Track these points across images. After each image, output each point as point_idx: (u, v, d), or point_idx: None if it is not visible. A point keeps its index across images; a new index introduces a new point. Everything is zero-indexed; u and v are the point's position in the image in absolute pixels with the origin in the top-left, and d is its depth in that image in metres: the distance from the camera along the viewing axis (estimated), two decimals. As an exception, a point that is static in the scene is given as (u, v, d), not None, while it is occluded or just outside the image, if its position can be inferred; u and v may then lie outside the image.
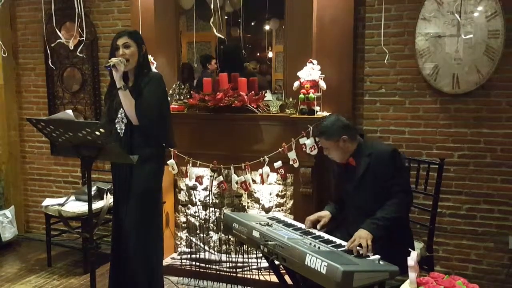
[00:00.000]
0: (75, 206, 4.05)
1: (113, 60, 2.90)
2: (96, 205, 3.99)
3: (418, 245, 3.09)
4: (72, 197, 4.23)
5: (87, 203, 2.83)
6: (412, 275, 2.16)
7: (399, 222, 2.71)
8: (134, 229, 3.05)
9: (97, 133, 2.55)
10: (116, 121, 3.03)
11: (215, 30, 3.25)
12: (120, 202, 3.12)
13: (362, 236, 2.52)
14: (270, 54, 4.19)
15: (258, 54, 4.26)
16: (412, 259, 2.18)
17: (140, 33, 3.23)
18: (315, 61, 3.48)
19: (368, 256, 2.45)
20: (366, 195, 2.75)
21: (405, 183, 2.79)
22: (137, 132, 2.99)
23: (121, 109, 3.00)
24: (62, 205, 4.08)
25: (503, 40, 3.32)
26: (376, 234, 2.54)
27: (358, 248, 2.47)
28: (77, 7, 3.50)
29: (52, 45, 3.85)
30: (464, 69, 3.42)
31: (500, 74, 3.39)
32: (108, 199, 4.07)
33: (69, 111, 2.72)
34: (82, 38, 4.20)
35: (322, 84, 3.46)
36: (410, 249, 2.30)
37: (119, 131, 3.02)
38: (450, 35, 3.42)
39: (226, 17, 4.16)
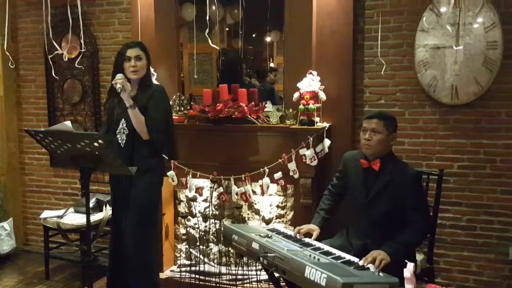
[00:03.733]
0: (74, 218, 4.03)
1: (118, 82, 2.91)
2: (95, 217, 3.98)
3: (419, 256, 3.08)
4: (71, 209, 4.22)
5: (85, 215, 2.83)
6: (409, 287, 2.15)
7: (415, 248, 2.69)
8: (134, 241, 3.04)
9: (95, 144, 2.55)
10: (117, 131, 3.04)
11: (210, 42, 3.28)
12: (119, 214, 3.11)
13: (381, 256, 2.46)
14: (272, 65, 4.22)
15: (261, 65, 4.29)
16: (408, 271, 2.16)
17: (141, 44, 3.26)
18: (314, 72, 3.49)
19: (368, 268, 2.44)
20: (381, 211, 2.70)
21: (426, 208, 2.76)
22: (138, 144, 3.01)
23: (122, 119, 3.01)
24: (60, 217, 4.06)
25: (502, 51, 3.33)
26: (395, 259, 2.47)
27: (369, 265, 2.44)
28: (70, 19, 3.50)
29: (50, 56, 3.86)
30: (463, 80, 3.43)
31: (499, 85, 3.40)
32: (108, 211, 4.06)
33: (68, 122, 2.71)
34: (82, 50, 4.22)
35: (322, 95, 3.46)
36: (406, 261, 2.29)
37: (120, 142, 3.03)
38: (448, 46, 3.44)
39: (227, 28, 4.18)
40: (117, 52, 3.13)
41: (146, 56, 3.08)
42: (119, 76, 2.96)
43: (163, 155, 3.15)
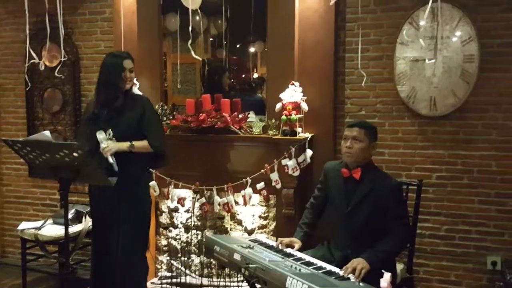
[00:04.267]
0: (52, 230, 3.96)
1: (109, 153, 2.93)
2: (74, 228, 3.92)
3: (399, 266, 3.10)
4: (50, 221, 4.13)
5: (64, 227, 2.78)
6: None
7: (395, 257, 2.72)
8: (128, 254, 3.04)
9: (75, 154, 2.52)
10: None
11: (193, 52, 3.29)
12: (108, 227, 3.07)
13: (360, 265, 2.47)
14: (255, 76, 4.25)
15: (243, 75, 4.31)
16: (385, 281, 2.19)
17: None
18: (297, 83, 3.53)
19: (349, 279, 2.45)
20: (361, 221, 2.72)
21: (406, 217, 2.78)
22: (130, 154, 3.00)
23: (109, 129, 2.99)
24: (38, 228, 3.97)
25: (478, 64, 3.41)
26: (374, 267, 2.49)
27: (350, 275, 2.45)
28: (48, 27, 3.47)
29: (26, 65, 3.81)
30: (441, 92, 3.50)
31: (476, 97, 3.48)
32: (87, 223, 4.00)
33: (47, 132, 2.67)
34: (63, 59, 4.18)
35: (304, 106, 3.50)
36: (383, 271, 2.31)
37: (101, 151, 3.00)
38: (427, 59, 3.50)
39: (211, 39, 4.20)
40: (108, 63, 3.06)
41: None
42: (105, 144, 2.93)
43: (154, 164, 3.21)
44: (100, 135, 2.95)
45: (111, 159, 2.92)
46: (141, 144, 3.03)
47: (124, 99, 3.06)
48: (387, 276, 2.20)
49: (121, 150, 2.96)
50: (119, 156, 2.97)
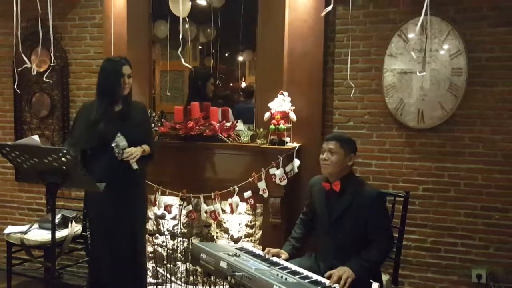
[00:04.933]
0: (39, 234, 3.93)
1: (135, 163, 3.02)
2: (61, 233, 3.89)
3: (384, 277, 3.11)
4: (36, 225, 4.11)
5: (50, 231, 2.76)
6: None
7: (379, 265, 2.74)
8: (139, 254, 3.22)
9: (63, 159, 2.51)
10: (113, 145, 3.05)
11: (183, 60, 3.30)
12: (116, 228, 3.12)
13: (346, 274, 2.49)
14: (243, 85, 4.26)
15: (231, 84, 4.32)
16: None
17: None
18: (285, 93, 3.55)
19: (334, 288, 2.46)
20: (345, 232, 2.73)
21: (389, 227, 2.80)
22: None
23: (118, 133, 3.05)
24: (24, 233, 3.94)
25: (466, 78, 3.45)
26: (359, 276, 2.51)
27: (335, 284, 2.45)
28: (44, 33, 3.47)
29: (18, 69, 3.81)
30: (428, 105, 3.54)
31: (463, 111, 3.52)
32: (73, 228, 3.97)
33: (35, 137, 2.66)
34: (52, 64, 4.16)
35: (292, 116, 3.51)
36: (372, 281, 2.31)
37: (116, 154, 3.06)
38: (415, 71, 3.54)
39: (200, 47, 4.21)
40: (107, 68, 3.11)
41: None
42: (129, 152, 3.03)
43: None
44: (122, 142, 3.02)
45: (135, 165, 3.01)
46: (147, 149, 3.15)
47: (124, 105, 3.11)
48: (375, 286, 2.21)
49: (135, 164, 3.04)
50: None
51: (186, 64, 3.40)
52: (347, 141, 2.80)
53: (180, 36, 3.25)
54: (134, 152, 3.03)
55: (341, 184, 2.77)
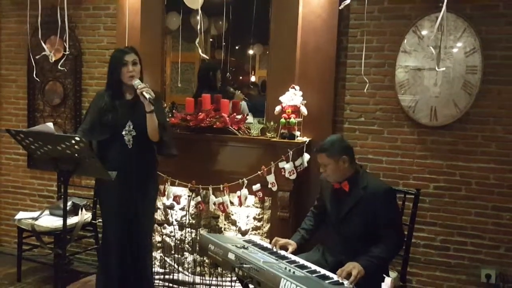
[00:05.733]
0: (49, 221, 3.98)
1: (146, 91, 2.99)
2: (71, 220, 3.93)
3: (392, 274, 3.11)
4: (46, 212, 4.16)
5: (61, 218, 2.81)
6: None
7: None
8: (149, 234, 3.35)
9: (76, 147, 2.53)
10: (123, 133, 3.10)
11: (200, 51, 3.29)
12: (130, 210, 3.17)
13: (356, 269, 2.48)
14: (253, 78, 4.25)
15: (241, 77, 4.32)
16: (386, 285, 2.19)
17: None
18: (297, 87, 3.53)
19: (343, 283, 2.45)
20: (353, 227, 2.73)
21: (398, 223, 2.79)
22: (144, 145, 3.13)
23: (129, 121, 3.09)
24: (35, 219, 4.00)
25: (481, 76, 3.41)
26: (369, 272, 2.50)
27: (344, 279, 2.45)
28: (60, 22, 3.50)
29: (37, 57, 3.85)
30: (442, 103, 3.50)
31: (477, 109, 3.48)
32: (83, 215, 4.02)
33: (50, 124, 2.69)
34: (66, 53, 4.19)
35: (304, 110, 3.50)
36: (385, 275, 2.31)
37: (127, 143, 3.11)
38: (429, 68, 3.50)
39: (211, 39, 4.21)
40: (112, 56, 3.17)
41: (140, 61, 3.18)
42: (143, 84, 3.03)
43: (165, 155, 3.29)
44: (135, 81, 3.05)
45: (148, 95, 2.97)
46: (156, 120, 3.08)
47: (136, 93, 3.10)
48: (388, 280, 2.21)
49: (148, 94, 2.98)
50: (140, 141, 3.12)
51: (204, 55, 3.40)
52: (331, 148, 2.76)
53: (199, 27, 3.26)
54: (145, 87, 3.01)
55: (349, 183, 2.77)
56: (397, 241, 2.73)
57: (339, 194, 2.82)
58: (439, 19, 2.56)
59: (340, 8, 2.99)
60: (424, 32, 3.50)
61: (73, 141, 2.52)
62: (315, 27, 3.68)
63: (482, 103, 3.47)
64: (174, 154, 3.27)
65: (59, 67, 3.90)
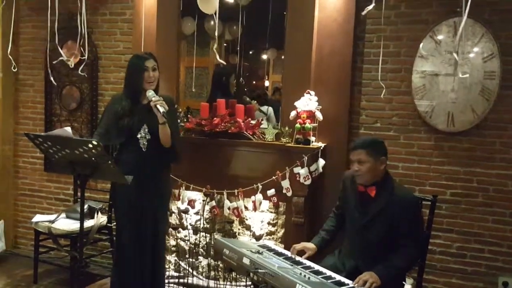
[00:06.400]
0: (66, 224, 4.01)
1: (160, 104, 3.01)
2: (87, 223, 3.95)
3: (408, 281, 3.07)
4: (63, 215, 4.19)
5: (77, 221, 2.83)
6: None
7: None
8: (162, 235, 3.36)
9: (93, 151, 2.56)
10: (138, 136, 3.14)
11: (218, 56, 3.31)
12: (137, 218, 3.20)
13: (372, 279, 2.48)
14: (267, 83, 4.25)
15: (254, 82, 4.33)
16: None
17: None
18: (312, 92, 3.53)
19: (357, 290, 2.44)
20: (376, 234, 2.70)
21: (420, 234, 2.76)
22: (158, 149, 3.15)
23: (144, 125, 3.14)
24: (52, 222, 4.04)
25: (499, 82, 3.37)
26: (384, 282, 2.49)
27: (359, 286, 2.45)
28: (80, 27, 3.55)
29: (54, 62, 3.90)
30: (459, 108, 3.47)
31: (495, 115, 3.44)
32: (99, 218, 4.05)
33: (68, 128, 2.74)
34: (83, 58, 4.24)
35: (319, 115, 3.49)
36: (404, 282, 2.29)
37: (141, 146, 3.15)
38: (446, 74, 3.47)
39: (225, 44, 4.22)
40: (131, 62, 3.19)
41: (158, 67, 3.20)
42: (157, 97, 3.05)
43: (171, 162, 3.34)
44: (149, 92, 3.07)
45: (162, 108, 3.00)
46: (169, 130, 3.11)
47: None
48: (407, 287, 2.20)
49: (162, 107, 3.01)
50: (155, 145, 3.14)
51: (221, 61, 3.41)
52: (373, 147, 2.73)
53: (216, 33, 3.28)
54: (160, 100, 3.03)
55: (376, 189, 2.72)
56: (416, 252, 2.71)
57: (364, 198, 2.77)
58: (461, 27, 2.52)
59: (363, 13, 2.96)
60: (441, 37, 3.48)
61: (90, 145, 2.55)
62: (331, 31, 3.68)
63: (500, 109, 3.43)
64: (177, 161, 3.32)
65: (79, 72, 3.94)
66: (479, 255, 3.55)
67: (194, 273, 3.98)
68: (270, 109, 4.06)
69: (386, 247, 2.67)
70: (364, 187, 2.76)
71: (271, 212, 3.80)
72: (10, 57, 4.02)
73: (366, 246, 2.73)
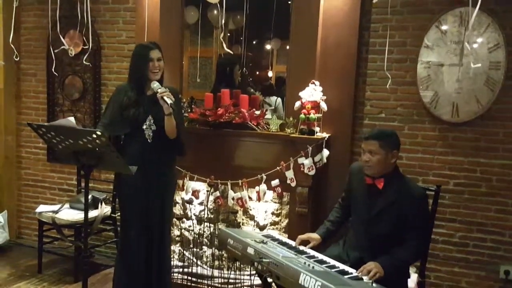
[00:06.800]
0: (69, 214, 4.03)
1: (166, 95, 3.00)
2: (91, 214, 3.96)
3: (411, 269, 3.09)
4: (67, 205, 4.21)
5: (81, 212, 2.84)
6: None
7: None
8: (168, 225, 3.37)
9: (97, 141, 2.55)
10: (144, 127, 3.13)
11: (225, 46, 3.29)
12: (150, 203, 3.22)
13: (376, 269, 2.48)
14: (270, 74, 4.23)
15: (258, 72, 4.31)
16: (412, 281, 2.19)
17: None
18: (317, 82, 3.52)
19: (362, 279, 2.45)
20: (383, 227, 2.70)
21: (425, 229, 2.77)
22: (164, 139, 3.16)
23: (149, 116, 3.13)
24: (56, 212, 4.05)
25: (504, 72, 3.36)
26: (388, 274, 2.50)
27: (363, 275, 2.47)
28: (81, 16, 3.53)
29: (55, 51, 3.88)
30: (464, 99, 3.46)
31: (500, 105, 3.43)
32: (103, 209, 4.06)
33: (71, 118, 2.72)
34: (86, 47, 4.22)
35: (323, 106, 3.49)
36: (411, 272, 2.30)
37: (147, 137, 3.15)
38: (451, 64, 3.46)
39: (228, 34, 4.20)
40: (136, 52, 3.17)
41: (162, 57, 3.19)
42: (163, 89, 3.04)
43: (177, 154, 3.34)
44: (154, 84, 3.07)
45: (169, 100, 2.99)
46: (174, 121, 3.11)
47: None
48: (414, 277, 2.21)
49: (169, 98, 3.00)
50: (160, 136, 3.15)
51: (228, 50, 3.39)
52: (387, 139, 2.70)
53: (222, 22, 3.26)
54: (167, 92, 3.03)
55: (384, 182, 2.71)
56: (421, 246, 2.72)
57: (371, 190, 2.76)
58: (474, 14, 2.50)
59: (374, 1, 2.93)
60: (446, 27, 3.46)
61: (94, 136, 2.54)
62: (336, 21, 3.66)
63: (505, 100, 3.42)
64: (182, 153, 3.32)
65: (83, 61, 3.93)
66: (482, 244, 3.57)
67: (199, 262, 4.00)
68: (279, 99, 4.04)
69: (392, 241, 2.67)
70: (372, 179, 2.74)
71: (275, 202, 3.81)
72: (12, 46, 4.01)
73: (372, 239, 2.73)
